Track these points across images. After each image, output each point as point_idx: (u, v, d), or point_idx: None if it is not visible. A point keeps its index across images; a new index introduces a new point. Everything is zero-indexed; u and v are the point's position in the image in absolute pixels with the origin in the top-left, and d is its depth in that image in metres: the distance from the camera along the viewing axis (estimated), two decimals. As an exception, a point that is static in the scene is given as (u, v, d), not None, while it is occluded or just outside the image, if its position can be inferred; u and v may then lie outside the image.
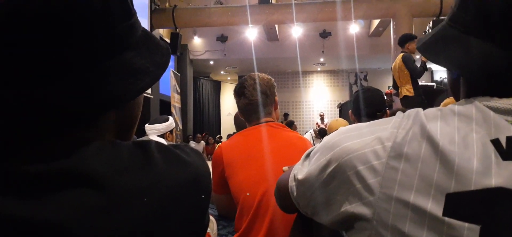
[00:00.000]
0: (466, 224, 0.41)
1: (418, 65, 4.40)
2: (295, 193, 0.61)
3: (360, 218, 0.48)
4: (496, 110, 0.46)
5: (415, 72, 4.35)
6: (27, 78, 0.38)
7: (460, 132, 0.45)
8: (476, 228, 0.40)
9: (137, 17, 0.49)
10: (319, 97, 13.80)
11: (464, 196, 0.42)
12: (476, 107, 0.47)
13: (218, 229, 1.44)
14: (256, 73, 1.52)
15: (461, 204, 0.42)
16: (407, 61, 4.35)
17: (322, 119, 10.82)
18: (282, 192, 0.72)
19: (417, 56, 4.59)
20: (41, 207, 0.35)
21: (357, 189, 0.49)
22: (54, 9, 0.38)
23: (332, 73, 13.84)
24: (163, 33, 9.04)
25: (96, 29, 0.41)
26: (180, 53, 9.22)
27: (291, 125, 6.85)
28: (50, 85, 0.39)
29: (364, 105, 1.86)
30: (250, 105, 1.47)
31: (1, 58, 0.37)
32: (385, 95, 4.57)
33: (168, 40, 7.90)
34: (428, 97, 4.56)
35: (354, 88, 13.32)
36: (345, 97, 12.92)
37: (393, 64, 4.68)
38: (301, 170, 0.60)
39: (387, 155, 0.47)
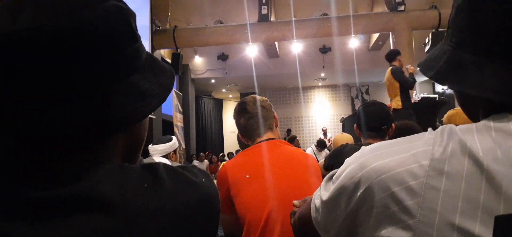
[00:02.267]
0: None
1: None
2: (320, 220, 0.57)
3: None
4: None
5: (407, 83, 4.41)
6: (36, 101, 0.39)
7: (502, 147, 0.42)
8: None
9: (141, 41, 0.49)
10: (321, 112, 13.80)
11: None
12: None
13: (225, 249, 1.43)
14: (253, 95, 1.58)
15: None
16: (397, 74, 4.42)
17: (325, 134, 10.78)
18: (304, 227, 0.67)
19: (407, 66, 4.70)
20: (51, 232, 0.35)
21: (392, 212, 0.45)
22: (63, 33, 0.38)
23: (333, 88, 13.88)
24: (164, 53, 9.13)
25: (104, 53, 0.42)
26: (182, 73, 9.30)
27: (292, 140, 6.83)
28: (59, 108, 0.39)
29: (369, 119, 1.86)
30: (252, 119, 1.48)
31: (10, 81, 0.38)
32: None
33: (169, 61, 7.97)
34: (430, 109, 4.57)
35: (356, 102, 13.34)
36: (348, 112, 12.92)
37: (385, 78, 4.75)
38: (324, 193, 0.56)
39: (426, 174, 0.44)
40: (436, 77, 0.53)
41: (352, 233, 0.52)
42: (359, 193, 0.49)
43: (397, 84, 4.42)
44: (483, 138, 0.44)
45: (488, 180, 0.41)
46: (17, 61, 0.37)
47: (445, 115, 2.16)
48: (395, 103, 4.47)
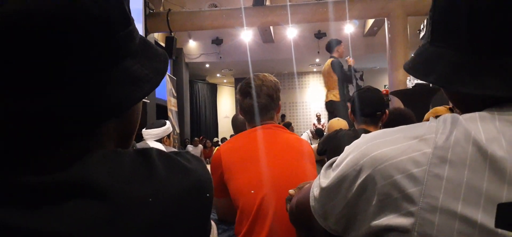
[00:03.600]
0: None
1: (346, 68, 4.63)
2: (318, 208, 0.58)
3: (398, 229, 0.45)
4: None
5: (345, 77, 4.56)
6: (27, 88, 0.38)
7: (506, 135, 0.43)
8: None
9: (134, 25, 0.49)
10: (315, 98, 13.81)
11: None
12: None
13: (218, 233, 1.44)
14: (264, 74, 1.48)
15: None
16: (336, 67, 4.55)
17: (318, 120, 10.83)
18: (301, 214, 0.67)
19: (347, 58, 4.79)
20: (45, 218, 0.35)
21: (394, 200, 0.45)
22: (54, 17, 0.37)
23: (328, 73, 13.87)
24: (158, 37, 9.04)
25: (95, 37, 0.41)
26: (176, 57, 9.22)
27: (288, 126, 6.86)
28: (51, 94, 0.38)
29: (364, 105, 1.87)
30: (254, 108, 1.45)
31: (1, 69, 0.37)
32: (381, 94, 4.66)
33: (163, 44, 7.89)
34: (424, 96, 4.60)
35: (351, 88, 13.36)
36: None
37: (323, 70, 4.83)
38: (324, 180, 0.56)
39: (429, 162, 0.44)
40: (439, 81, 0.52)
41: (351, 220, 0.52)
42: (360, 181, 0.49)
43: (335, 77, 4.56)
44: (487, 126, 0.44)
45: (491, 167, 0.41)
46: (6, 47, 0.36)
47: (430, 112, 2.13)
48: (333, 95, 4.60)
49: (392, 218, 0.46)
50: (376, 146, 0.49)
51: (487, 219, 0.40)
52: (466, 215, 0.41)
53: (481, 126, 0.45)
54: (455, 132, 0.45)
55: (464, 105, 0.56)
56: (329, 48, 4.74)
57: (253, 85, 1.44)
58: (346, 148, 0.55)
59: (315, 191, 0.59)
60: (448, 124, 0.46)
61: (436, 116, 0.50)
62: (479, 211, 0.41)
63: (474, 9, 0.48)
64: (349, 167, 0.51)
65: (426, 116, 2.12)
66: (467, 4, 0.48)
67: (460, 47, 0.50)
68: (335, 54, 4.63)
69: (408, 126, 0.51)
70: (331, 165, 0.57)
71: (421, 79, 0.56)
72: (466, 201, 0.41)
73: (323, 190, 0.56)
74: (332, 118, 4.70)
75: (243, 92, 1.48)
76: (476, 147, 0.43)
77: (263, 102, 1.43)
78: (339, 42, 4.76)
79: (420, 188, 0.44)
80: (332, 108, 4.52)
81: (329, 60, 4.63)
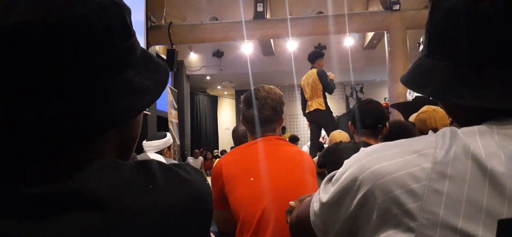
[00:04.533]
0: None
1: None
2: (319, 223, 0.58)
3: None
4: None
5: (329, 87, 4.69)
6: (28, 96, 0.38)
7: (505, 150, 0.43)
8: None
9: (136, 37, 0.49)
10: (316, 110, 13.81)
11: None
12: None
13: (218, 246, 1.43)
14: (270, 86, 1.49)
15: None
16: (322, 77, 4.70)
17: (319, 132, 10.81)
18: (301, 228, 0.67)
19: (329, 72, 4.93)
20: (43, 229, 0.35)
21: (394, 215, 0.45)
22: (56, 28, 0.38)
23: (328, 86, 13.89)
24: (159, 50, 9.08)
25: (96, 48, 0.42)
26: (177, 69, 9.25)
27: (295, 141, 6.83)
28: (51, 103, 0.39)
29: (365, 117, 1.87)
30: (257, 119, 1.44)
31: (1, 76, 0.37)
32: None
33: (164, 57, 7.93)
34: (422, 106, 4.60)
35: (351, 101, 13.37)
36: (342, 110, 12.94)
37: (305, 79, 4.99)
38: (323, 195, 0.56)
39: (428, 177, 0.44)
40: (435, 93, 0.52)
41: (351, 235, 0.52)
42: (360, 196, 0.49)
43: (320, 86, 4.70)
44: (486, 140, 0.44)
45: (491, 183, 0.41)
46: (8, 56, 0.37)
47: (417, 120, 2.11)
48: (318, 104, 4.72)
49: (392, 233, 0.45)
50: (375, 160, 0.49)
51: (488, 235, 0.40)
52: (466, 231, 0.41)
53: (480, 140, 0.44)
54: (454, 146, 0.45)
55: (461, 118, 0.56)
56: (313, 58, 4.98)
57: (258, 96, 1.44)
58: (346, 161, 0.55)
59: (315, 206, 0.58)
60: (447, 139, 0.46)
61: (427, 122, 0.49)
62: (480, 227, 0.40)
63: (472, 20, 0.48)
64: (349, 181, 0.51)
65: (411, 117, 2.11)
66: (465, 15, 0.48)
67: (457, 58, 0.50)
68: (316, 66, 4.81)
69: (407, 139, 0.51)
70: (330, 179, 0.57)
71: (417, 92, 0.56)
72: (466, 216, 0.41)
73: (323, 205, 0.56)
74: (315, 128, 4.81)
75: (247, 102, 1.48)
76: (475, 163, 0.42)
77: (266, 115, 1.43)
78: (322, 55, 5.10)
79: (420, 204, 0.43)
80: (316, 117, 4.69)
81: (314, 70, 4.84)
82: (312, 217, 0.59)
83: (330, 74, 4.95)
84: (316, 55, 5.05)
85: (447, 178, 0.43)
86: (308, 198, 0.68)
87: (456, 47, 0.50)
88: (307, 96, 4.90)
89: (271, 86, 1.49)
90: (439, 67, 0.52)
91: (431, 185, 0.43)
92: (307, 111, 4.91)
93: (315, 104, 4.75)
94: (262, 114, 1.43)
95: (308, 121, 5.10)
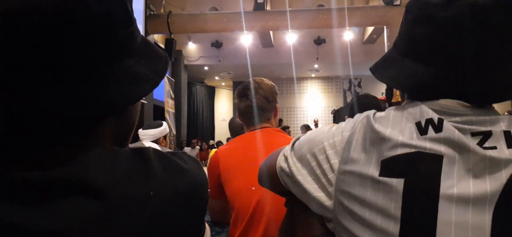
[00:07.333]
0: (394, 179, 0.53)
1: None
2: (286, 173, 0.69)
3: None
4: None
5: None
6: (26, 82, 0.38)
7: (395, 118, 0.59)
8: (401, 181, 0.52)
9: (136, 25, 0.49)
10: (313, 104, 13.82)
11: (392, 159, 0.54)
12: (410, 104, 0.60)
13: (212, 235, 1.44)
14: (262, 78, 1.52)
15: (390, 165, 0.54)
16: None
17: (316, 125, 10.84)
18: (270, 172, 0.78)
19: None
20: (40, 215, 0.35)
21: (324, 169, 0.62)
22: (55, 14, 0.38)
23: (326, 79, 13.89)
24: (157, 39, 9.04)
25: (95, 35, 0.41)
26: (175, 59, 9.22)
27: (285, 129, 6.85)
28: (49, 90, 0.39)
29: (362, 111, 1.88)
30: (251, 108, 1.46)
31: None
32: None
33: (162, 46, 7.89)
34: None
35: (348, 95, 13.39)
36: (339, 104, 12.97)
37: None
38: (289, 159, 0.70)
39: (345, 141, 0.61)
40: (372, 68, 0.68)
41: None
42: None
43: None
44: (384, 114, 0.62)
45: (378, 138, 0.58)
46: (6, 42, 0.37)
47: None
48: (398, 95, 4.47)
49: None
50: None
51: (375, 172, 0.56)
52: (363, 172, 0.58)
53: (381, 114, 0.62)
54: (363, 119, 0.64)
55: (388, 98, 0.75)
56: None
57: (250, 87, 1.47)
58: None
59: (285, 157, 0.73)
60: (363, 115, 0.65)
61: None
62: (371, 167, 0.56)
63: (404, 17, 0.63)
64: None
65: None
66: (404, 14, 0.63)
67: (394, 46, 0.65)
68: None
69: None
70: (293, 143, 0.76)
71: (369, 68, 0.69)
72: (363, 163, 0.59)
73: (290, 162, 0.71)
74: None
75: (240, 94, 1.50)
76: (370, 127, 0.61)
77: (259, 104, 1.45)
78: None
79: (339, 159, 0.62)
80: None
81: None
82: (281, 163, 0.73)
83: None
84: None
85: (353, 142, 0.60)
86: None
87: (396, 38, 0.65)
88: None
89: (262, 78, 1.52)
90: (388, 52, 0.67)
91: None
92: (394, 100, 4.55)
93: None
94: (255, 104, 1.45)
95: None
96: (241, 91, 1.50)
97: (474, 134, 0.53)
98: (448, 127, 0.53)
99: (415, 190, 0.52)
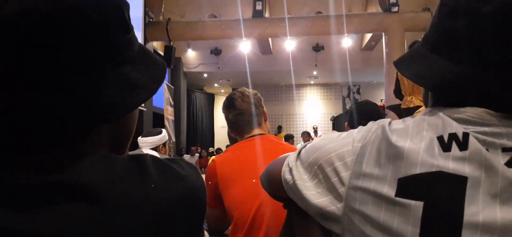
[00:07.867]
0: (413, 202, 0.49)
1: None
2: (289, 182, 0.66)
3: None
4: (447, 115, 0.53)
5: None
6: (21, 86, 0.38)
7: (413, 130, 0.54)
8: (420, 204, 0.48)
9: (134, 33, 0.49)
10: (312, 110, 13.84)
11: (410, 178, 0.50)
12: (431, 113, 0.55)
13: (210, 243, 1.43)
14: (243, 88, 1.57)
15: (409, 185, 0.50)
16: None
17: (315, 132, 10.84)
18: (273, 179, 0.75)
19: None
20: (35, 220, 0.34)
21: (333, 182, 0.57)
22: (51, 19, 0.38)
23: (325, 86, 13.92)
24: (156, 46, 9.06)
25: (94, 41, 0.41)
26: (174, 66, 9.23)
27: (288, 139, 6.86)
28: (45, 95, 0.38)
29: (362, 118, 1.88)
30: (241, 116, 1.47)
31: None
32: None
33: (162, 53, 7.91)
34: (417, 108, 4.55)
35: (347, 102, 13.41)
36: (338, 110, 12.98)
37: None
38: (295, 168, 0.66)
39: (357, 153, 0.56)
40: (396, 62, 0.64)
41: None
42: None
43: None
44: (402, 125, 0.56)
45: (395, 153, 0.53)
46: (3, 46, 0.37)
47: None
48: (419, 101, 3.81)
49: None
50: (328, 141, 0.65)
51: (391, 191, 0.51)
52: (377, 191, 0.53)
53: (399, 125, 0.57)
54: (377, 130, 0.58)
55: (424, 102, 0.67)
56: None
57: (234, 97, 1.51)
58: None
59: (290, 166, 0.69)
60: (376, 125, 0.59)
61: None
62: (386, 186, 0.52)
63: (437, 10, 0.58)
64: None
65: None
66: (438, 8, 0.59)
67: (424, 41, 0.61)
68: None
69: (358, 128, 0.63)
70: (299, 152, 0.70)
71: (393, 63, 0.66)
72: (378, 180, 0.54)
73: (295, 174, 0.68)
74: None
75: (227, 106, 1.53)
76: (385, 140, 0.56)
77: (247, 109, 1.48)
78: None
79: (349, 173, 0.58)
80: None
81: None
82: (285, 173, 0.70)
83: None
84: None
85: (366, 154, 0.55)
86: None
87: (425, 33, 0.61)
88: (404, 89, 4.05)
89: (244, 88, 1.57)
90: (415, 47, 0.62)
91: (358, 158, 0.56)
92: (403, 106, 4.08)
93: (417, 101, 3.84)
94: (243, 110, 1.48)
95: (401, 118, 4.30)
96: (227, 104, 1.53)
97: (505, 150, 0.48)
98: (474, 144, 0.48)
99: (436, 215, 0.47)
